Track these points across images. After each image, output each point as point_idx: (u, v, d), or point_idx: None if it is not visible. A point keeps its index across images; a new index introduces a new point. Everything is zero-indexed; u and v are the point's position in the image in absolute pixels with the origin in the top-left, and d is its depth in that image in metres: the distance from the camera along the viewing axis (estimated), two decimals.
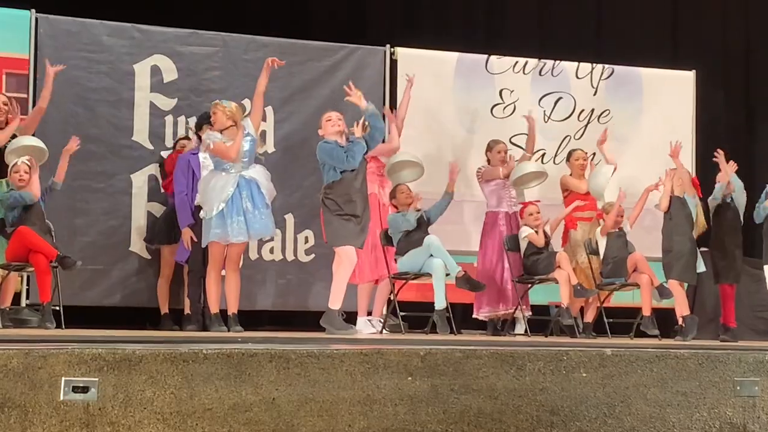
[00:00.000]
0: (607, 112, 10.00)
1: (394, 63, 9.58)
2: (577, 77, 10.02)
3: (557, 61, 9.92)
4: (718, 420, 5.14)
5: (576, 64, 10.00)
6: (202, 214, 7.74)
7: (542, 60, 9.92)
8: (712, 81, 10.77)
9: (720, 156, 8.74)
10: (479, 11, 10.96)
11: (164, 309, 8.48)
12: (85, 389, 4.20)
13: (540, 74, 9.89)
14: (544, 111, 9.85)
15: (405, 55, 9.62)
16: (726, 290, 8.75)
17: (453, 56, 9.79)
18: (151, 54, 8.84)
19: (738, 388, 5.18)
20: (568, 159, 9.20)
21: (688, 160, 9.93)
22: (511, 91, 9.82)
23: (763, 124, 11.40)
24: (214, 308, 7.70)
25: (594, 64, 10.05)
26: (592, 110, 9.97)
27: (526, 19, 11.00)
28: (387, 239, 8.36)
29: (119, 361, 4.28)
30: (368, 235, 7.96)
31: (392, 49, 9.61)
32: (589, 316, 8.80)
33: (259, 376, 4.49)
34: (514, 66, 9.88)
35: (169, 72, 8.88)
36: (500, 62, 9.86)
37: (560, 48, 10.14)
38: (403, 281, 8.37)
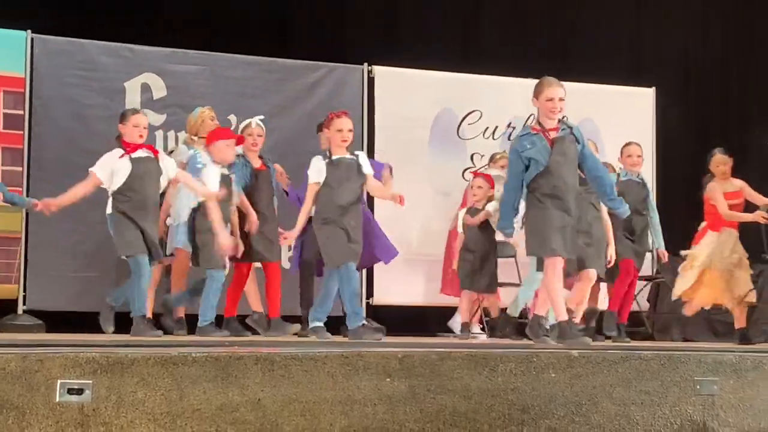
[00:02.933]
0: None
1: (371, 81, 9.80)
2: None
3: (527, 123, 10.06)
4: (679, 417, 5.20)
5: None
6: (169, 220, 7.78)
7: (511, 126, 10.14)
8: (672, 97, 10.90)
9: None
10: (457, 30, 11.10)
11: (178, 314, 8.62)
12: (79, 391, 4.23)
13: (509, 139, 9.88)
14: None
15: (382, 73, 9.87)
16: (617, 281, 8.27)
17: (430, 77, 10.05)
18: (141, 72, 9.07)
19: (698, 387, 5.24)
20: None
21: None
22: (482, 156, 10.18)
23: (721, 140, 11.56)
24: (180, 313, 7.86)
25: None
26: None
27: (501, 37, 11.14)
28: None
29: (112, 365, 4.31)
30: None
31: (370, 68, 9.85)
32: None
33: (245, 378, 4.52)
34: (484, 132, 10.25)
35: (159, 89, 9.11)
36: (471, 128, 10.23)
37: (529, 65, 10.01)
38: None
